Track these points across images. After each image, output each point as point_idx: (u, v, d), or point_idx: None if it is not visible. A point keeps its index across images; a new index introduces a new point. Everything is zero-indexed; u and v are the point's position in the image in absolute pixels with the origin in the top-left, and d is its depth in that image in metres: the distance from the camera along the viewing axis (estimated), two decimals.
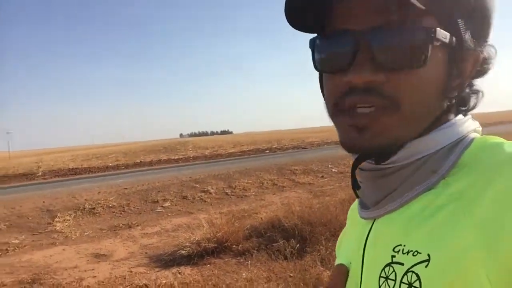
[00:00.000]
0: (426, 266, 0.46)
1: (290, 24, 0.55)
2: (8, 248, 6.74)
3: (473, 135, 0.57)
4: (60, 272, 5.44)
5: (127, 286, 4.67)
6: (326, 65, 0.56)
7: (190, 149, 34.88)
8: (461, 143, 0.55)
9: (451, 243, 0.45)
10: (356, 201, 0.70)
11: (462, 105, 0.58)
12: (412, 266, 0.48)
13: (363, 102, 0.50)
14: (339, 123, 0.55)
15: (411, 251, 0.49)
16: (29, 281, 5.08)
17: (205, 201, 9.82)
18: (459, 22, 0.51)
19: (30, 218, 8.60)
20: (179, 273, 5.06)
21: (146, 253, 6.16)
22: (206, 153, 28.23)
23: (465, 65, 0.54)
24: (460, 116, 0.58)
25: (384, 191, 0.57)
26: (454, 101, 0.56)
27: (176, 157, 25.48)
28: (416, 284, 0.47)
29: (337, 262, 0.69)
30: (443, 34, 0.50)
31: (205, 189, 10.64)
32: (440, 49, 0.50)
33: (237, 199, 9.91)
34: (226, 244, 5.67)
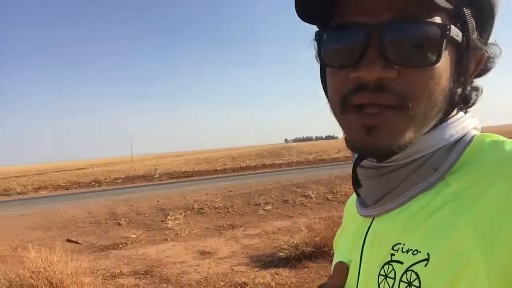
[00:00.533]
0: (425, 266, 0.46)
1: (298, 15, 0.53)
2: (127, 242, 7.53)
3: (473, 132, 0.56)
4: (170, 265, 5.90)
5: (227, 283, 4.90)
6: (333, 59, 0.53)
7: (294, 154, 35.22)
8: (461, 141, 0.54)
9: (450, 244, 0.45)
10: (353, 197, 0.69)
11: (464, 103, 0.58)
12: (411, 265, 0.47)
13: (373, 101, 0.48)
14: (346, 121, 0.53)
15: (411, 249, 0.49)
16: (143, 272, 5.60)
17: (305, 206, 9.86)
18: (469, 20, 0.50)
19: (146, 215, 9.50)
20: (277, 274, 5.16)
21: (247, 253, 6.38)
22: (310, 158, 28.29)
23: (470, 64, 0.53)
24: (461, 114, 0.57)
25: (384, 189, 0.56)
26: (457, 99, 0.54)
27: (279, 162, 25.99)
28: (416, 283, 0.46)
29: (335, 258, 0.68)
30: (455, 32, 0.49)
31: (306, 194, 10.68)
32: (450, 47, 0.50)
33: (338, 204, 9.75)
34: (324, 249, 5.62)
